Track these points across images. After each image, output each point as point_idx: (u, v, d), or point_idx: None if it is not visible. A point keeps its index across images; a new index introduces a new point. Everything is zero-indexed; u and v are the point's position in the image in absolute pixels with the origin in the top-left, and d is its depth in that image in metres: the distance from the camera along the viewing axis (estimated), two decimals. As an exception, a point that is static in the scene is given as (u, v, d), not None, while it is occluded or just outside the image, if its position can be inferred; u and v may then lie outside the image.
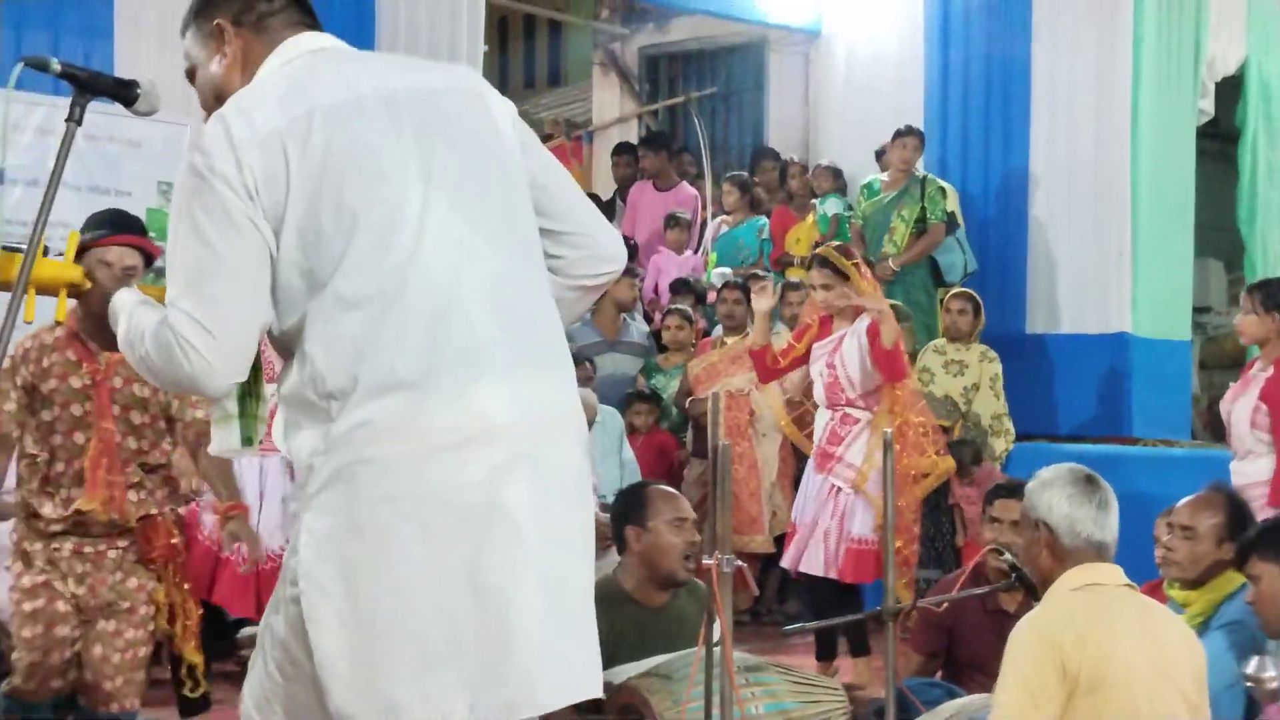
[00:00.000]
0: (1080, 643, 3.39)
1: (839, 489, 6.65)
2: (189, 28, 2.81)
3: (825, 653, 6.93)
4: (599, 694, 2.61)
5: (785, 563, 7.02)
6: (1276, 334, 5.87)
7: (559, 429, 2.58)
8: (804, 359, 6.95)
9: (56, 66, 2.77)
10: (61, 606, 4.49)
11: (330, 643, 2.45)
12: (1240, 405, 5.91)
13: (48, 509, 4.50)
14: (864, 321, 6.63)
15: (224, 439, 2.73)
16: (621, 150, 12.23)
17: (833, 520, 6.62)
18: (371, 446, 2.44)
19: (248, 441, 2.75)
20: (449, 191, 2.56)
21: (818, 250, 6.96)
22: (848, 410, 6.74)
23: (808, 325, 7.00)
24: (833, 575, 6.60)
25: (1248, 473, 5.78)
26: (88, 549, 4.52)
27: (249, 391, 2.73)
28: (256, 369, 2.68)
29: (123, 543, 4.56)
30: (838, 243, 7.29)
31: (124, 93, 2.85)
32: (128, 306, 2.68)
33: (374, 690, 2.43)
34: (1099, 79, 9.34)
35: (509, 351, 2.51)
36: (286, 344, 2.58)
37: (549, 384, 2.58)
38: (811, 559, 6.65)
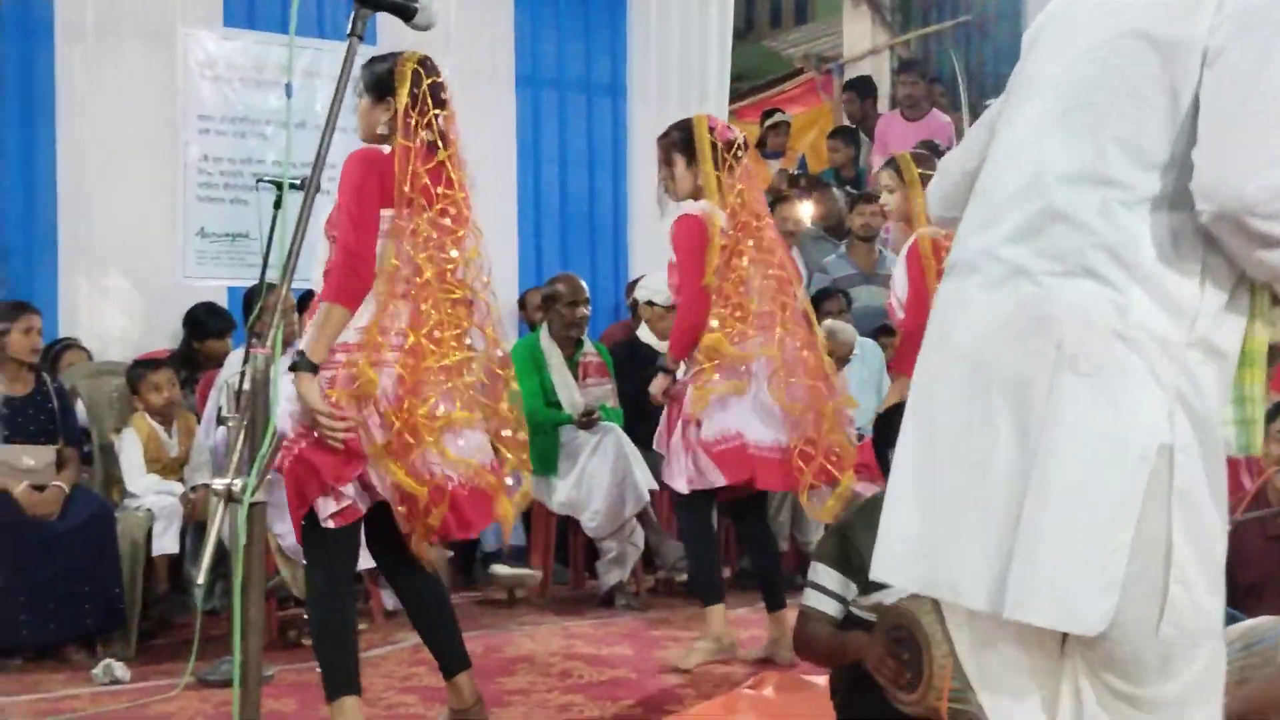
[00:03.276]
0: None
1: None
2: None
3: None
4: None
5: None
6: None
7: (1021, 341, 2.53)
8: None
9: (338, -20, 2.83)
10: None
11: None
12: None
13: None
14: None
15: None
16: (849, 86, 12.20)
17: None
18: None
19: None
20: (1049, 89, 2.64)
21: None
22: None
23: None
24: None
25: None
26: None
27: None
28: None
29: None
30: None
31: (404, 6, 2.90)
32: None
33: None
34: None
35: (1009, 255, 2.57)
36: None
37: (1027, 293, 2.54)
38: None
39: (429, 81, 4.50)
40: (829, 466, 5.80)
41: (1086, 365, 2.43)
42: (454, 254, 4.49)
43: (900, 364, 6.13)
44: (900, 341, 6.27)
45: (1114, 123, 2.51)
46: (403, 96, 4.45)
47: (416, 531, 4.49)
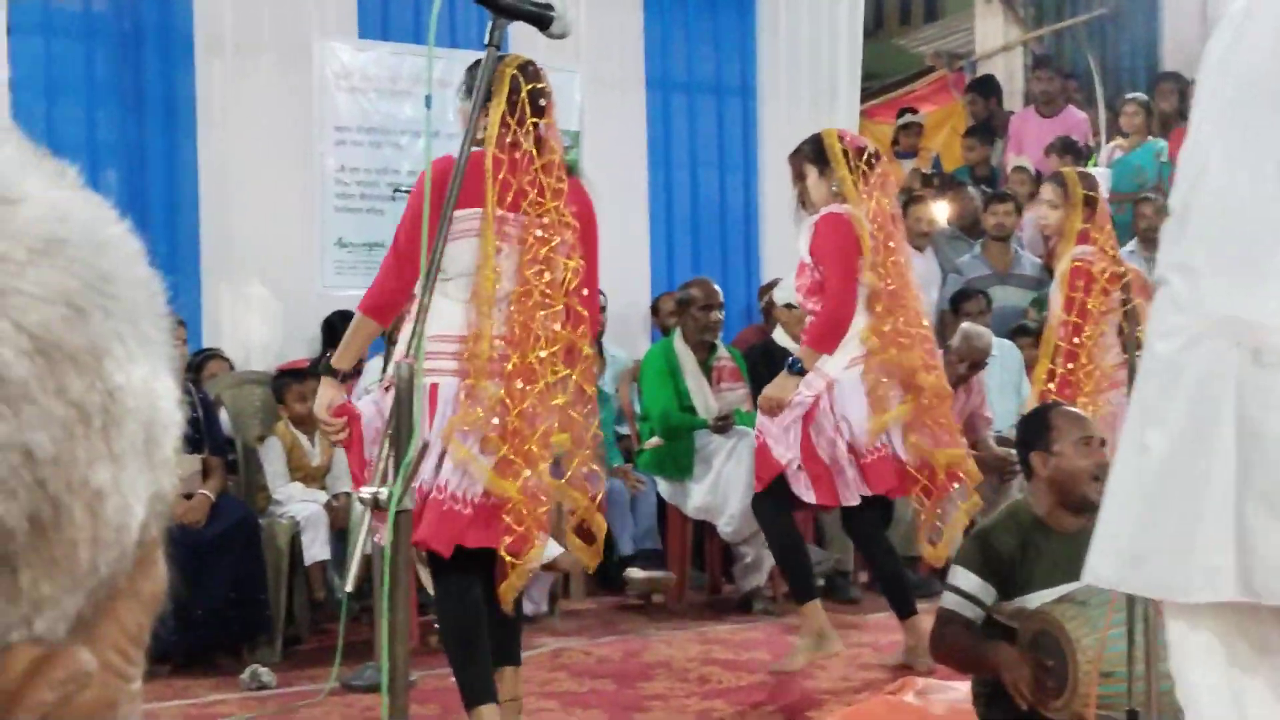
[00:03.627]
0: None
1: None
2: None
3: None
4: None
5: None
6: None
7: (1201, 345, 2.58)
8: None
9: (475, -9, 2.85)
10: None
11: None
12: None
13: None
14: None
15: None
16: (971, 88, 12.10)
17: None
18: None
19: None
20: (1205, 106, 2.67)
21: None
22: None
23: None
24: None
25: None
26: None
27: None
28: None
29: None
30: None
31: (540, 15, 2.91)
32: None
33: None
34: None
35: (1182, 262, 2.61)
36: None
37: (1198, 298, 2.59)
38: None
39: (529, 88, 4.39)
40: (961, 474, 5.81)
41: (1270, 357, 2.45)
42: (554, 265, 4.44)
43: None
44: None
45: (1251, 115, 2.59)
46: (500, 103, 4.36)
47: (514, 566, 4.38)
